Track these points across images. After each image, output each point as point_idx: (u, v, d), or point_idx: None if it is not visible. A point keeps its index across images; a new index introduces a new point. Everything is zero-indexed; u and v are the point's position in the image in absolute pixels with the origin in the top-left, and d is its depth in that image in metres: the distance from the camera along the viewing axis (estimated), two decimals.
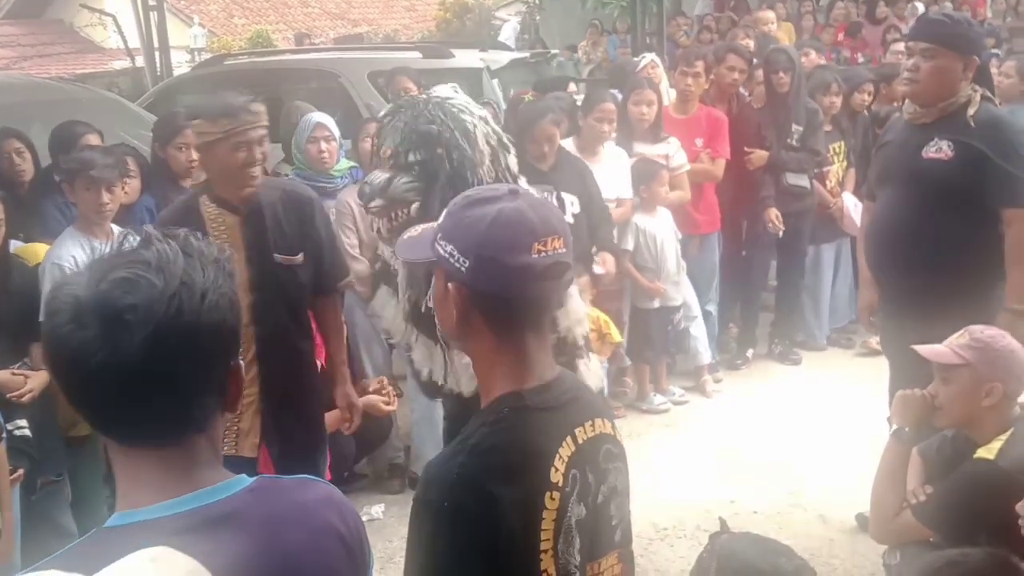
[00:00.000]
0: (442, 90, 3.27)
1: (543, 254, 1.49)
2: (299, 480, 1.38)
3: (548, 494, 1.49)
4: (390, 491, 4.70)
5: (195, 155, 4.15)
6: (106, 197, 3.66)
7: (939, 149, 3.37)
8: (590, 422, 1.58)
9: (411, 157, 3.08)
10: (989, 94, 3.44)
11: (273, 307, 3.31)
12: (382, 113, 3.38)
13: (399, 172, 3.09)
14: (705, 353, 5.71)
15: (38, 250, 3.76)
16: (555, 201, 4.35)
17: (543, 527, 1.48)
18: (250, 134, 3.13)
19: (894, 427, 2.88)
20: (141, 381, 1.17)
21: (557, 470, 1.50)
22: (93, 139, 4.41)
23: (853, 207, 5.96)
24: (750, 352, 6.19)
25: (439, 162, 3.06)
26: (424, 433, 4.66)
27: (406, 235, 1.70)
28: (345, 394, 3.61)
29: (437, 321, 1.61)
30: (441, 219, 1.58)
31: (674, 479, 4.61)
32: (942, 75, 3.37)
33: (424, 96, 3.27)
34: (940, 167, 3.37)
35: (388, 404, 4.54)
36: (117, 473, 1.25)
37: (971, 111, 3.35)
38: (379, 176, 3.15)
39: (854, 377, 5.75)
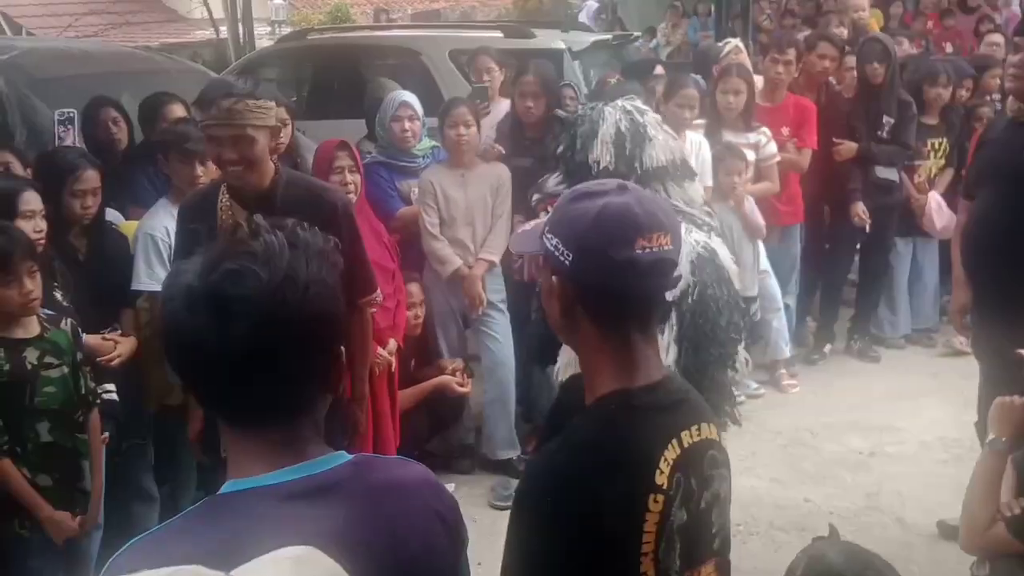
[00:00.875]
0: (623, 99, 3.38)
1: (648, 250, 1.47)
2: (397, 459, 1.46)
3: (652, 496, 1.46)
4: (460, 471, 4.71)
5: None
6: (200, 170, 3.69)
7: None
8: (696, 426, 1.55)
9: (557, 149, 3.33)
10: None
11: None
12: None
13: (557, 168, 3.33)
14: (784, 347, 5.60)
15: (133, 228, 3.83)
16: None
17: (646, 529, 1.45)
18: (217, 131, 2.89)
19: (990, 436, 2.79)
20: (247, 368, 1.23)
21: (662, 472, 1.47)
22: (178, 109, 4.46)
23: (936, 207, 5.80)
24: (828, 347, 6.07)
25: (572, 152, 3.23)
26: (496, 415, 4.68)
27: (520, 229, 1.70)
28: (353, 411, 3.38)
29: (548, 319, 1.60)
30: (551, 213, 1.58)
31: (747, 474, 4.54)
32: None
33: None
34: None
35: (462, 386, 4.56)
36: (229, 446, 1.30)
37: None
38: (544, 177, 3.44)
39: (935, 377, 5.62)
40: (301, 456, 1.27)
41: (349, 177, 3.97)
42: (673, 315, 3.23)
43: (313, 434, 1.31)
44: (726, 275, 3.27)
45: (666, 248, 1.49)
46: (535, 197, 3.57)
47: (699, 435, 1.55)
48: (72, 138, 4.38)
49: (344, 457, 1.31)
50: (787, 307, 5.72)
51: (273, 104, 2.97)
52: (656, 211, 1.51)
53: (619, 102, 3.22)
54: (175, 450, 3.92)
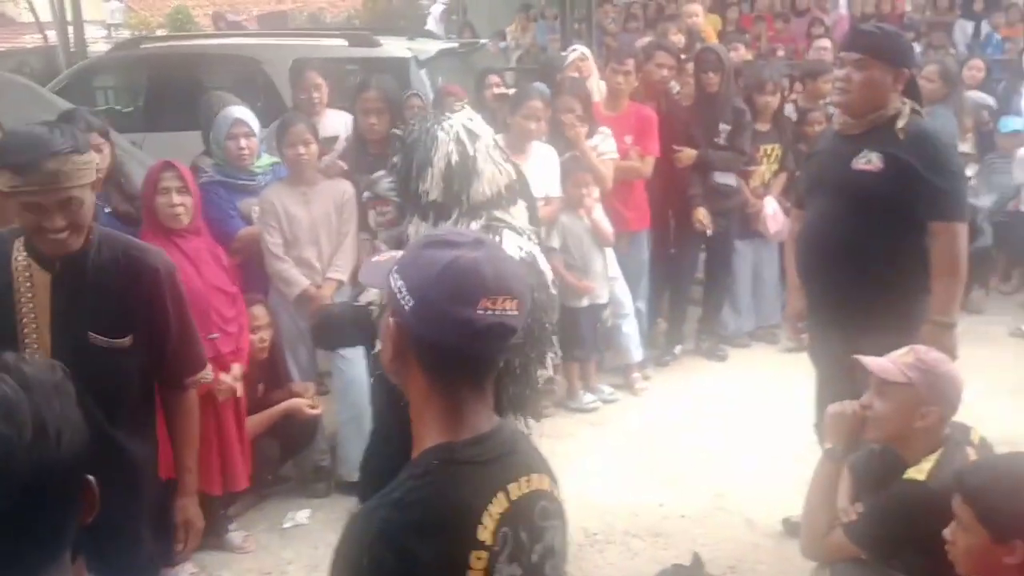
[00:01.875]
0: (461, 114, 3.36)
1: (489, 312, 1.43)
2: None
3: (474, 553, 1.43)
4: (316, 495, 4.58)
5: (95, 156, 3.91)
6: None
7: (869, 161, 3.39)
8: (526, 477, 1.53)
9: (395, 159, 3.28)
10: (918, 107, 3.47)
11: (81, 399, 2.83)
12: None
13: (389, 172, 3.34)
14: (635, 351, 5.71)
15: None
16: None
17: None
18: (41, 199, 2.42)
19: (827, 445, 2.89)
20: (4, 529, 1.14)
21: (485, 528, 1.44)
22: None
23: (772, 213, 6.03)
24: (678, 348, 6.23)
25: (406, 166, 3.20)
26: (351, 435, 4.58)
27: (373, 259, 1.71)
28: (183, 507, 2.89)
29: (383, 357, 1.57)
30: (403, 253, 1.55)
31: (603, 481, 4.60)
32: (873, 86, 3.39)
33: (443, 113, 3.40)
34: (869, 178, 3.39)
35: (313, 407, 4.45)
36: None
37: (900, 124, 3.37)
38: (381, 173, 3.48)
39: (779, 374, 5.81)
40: None
41: (177, 199, 3.75)
42: None
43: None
44: (545, 279, 3.32)
45: (509, 313, 1.46)
46: (365, 194, 3.71)
47: (528, 486, 1.52)
48: None
49: None
50: (638, 311, 5.84)
51: (93, 154, 2.61)
52: (507, 274, 1.48)
53: (454, 124, 3.18)
54: None
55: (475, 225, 3.13)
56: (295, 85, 5.53)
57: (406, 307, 1.46)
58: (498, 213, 3.19)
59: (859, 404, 2.84)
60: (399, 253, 1.61)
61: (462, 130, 3.15)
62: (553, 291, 3.42)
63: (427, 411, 1.51)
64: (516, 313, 1.47)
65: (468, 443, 1.49)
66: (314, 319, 4.24)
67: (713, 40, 8.18)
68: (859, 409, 2.82)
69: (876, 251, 3.42)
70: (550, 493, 1.58)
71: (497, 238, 3.12)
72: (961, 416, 2.82)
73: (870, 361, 2.80)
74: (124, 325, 2.64)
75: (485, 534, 1.44)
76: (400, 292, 1.47)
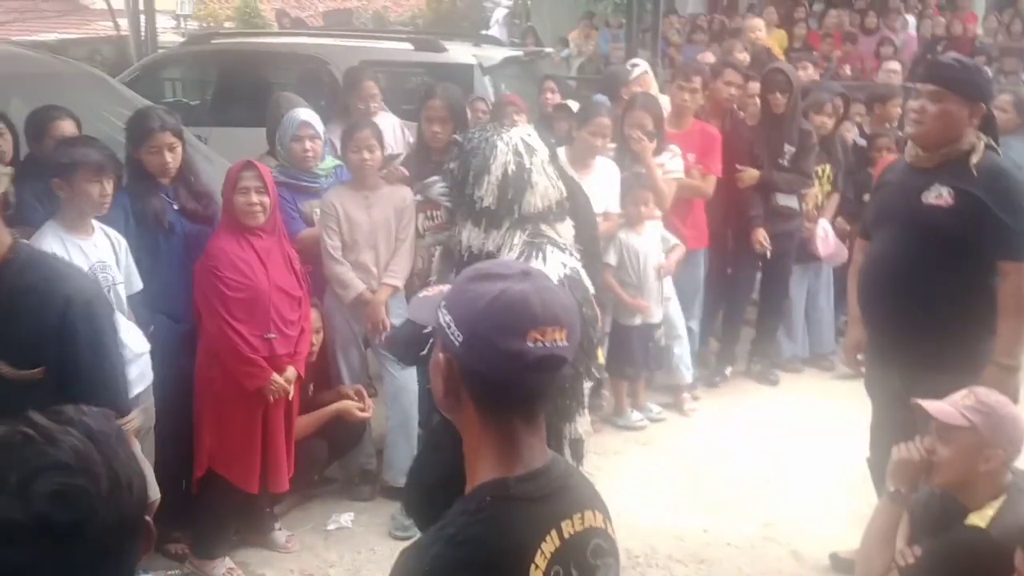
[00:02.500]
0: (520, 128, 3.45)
1: (539, 343, 1.43)
2: None
3: None
4: (360, 498, 4.61)
5: (168, 158, 4.01)
6: (108, 187, 3.53)
7: (939, 195, 3.33)
8: (579, 515, 1.51)
9: (449, 164, 3.32)
10: (993, 144, 3.39)
11: None
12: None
13: (443, 176, 3.34)
14: (686, 372, 5.67)
15: None
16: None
17: None
18: None
19: (890, 488, 2.83)
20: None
21: (538, 567, 1.43)
22: (67, 126, 4.22)
23: (823, 235, 5.94)
24: (728, 370, 6.16)
25: (463, 172, 3.25)
26: (399, 440, 4.60)
27: (421, 293, 1.72)
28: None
29: (434, 393, 1.56)
30: (450, 287, 1.55)
31: (648, 502, 4.56)
32: (948, 119, 3.32)
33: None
34: (939, 213, 3.32)
35: (363, 411, 4.47)
36: None
37: (974, 159, 3.30)
38: (435, 177, 3.44)
39: (832, 402, 5.74)
40: None
41: (255, 198, 3.84)
42: None
43: None
44: (589, 295, 3.34)
45: (560, 344, 1.45)
46: (417, 197, 3.66)
47: (582, 524, 1.51)
48: None
49: None
50: (690, 331, 5.79)
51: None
52: (555, 305, 1.46)
53: (513, 136, 3.21)
54: None
55: (521, 236, 3.17)
56: (351, 91, 5.56)
57: (456, 342, 1.45)
58: (544, 227, 3.22)
59: (924, 448, 2.78)
60: (447, 287, 1.60)
61: (520, 143, 3.20)
62: (595, 308, 3.44)
63: (481, 446, 1.50)
64: (566, 344, 1.46)
65: (522, 479, 1.48)
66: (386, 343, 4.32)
67: (779, 57, 8.10)
68: (925, 455, 2.76)
69: (942, 288, 3.36)
70: (603, 531, 1.56)
71: (540, 253, 3.14)
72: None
73: (930, 405, 2.74)
74: (34, 355, 2.49)
75: (538, 573, 1.43)
76: (449, 327, 1.46)
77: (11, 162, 4.35)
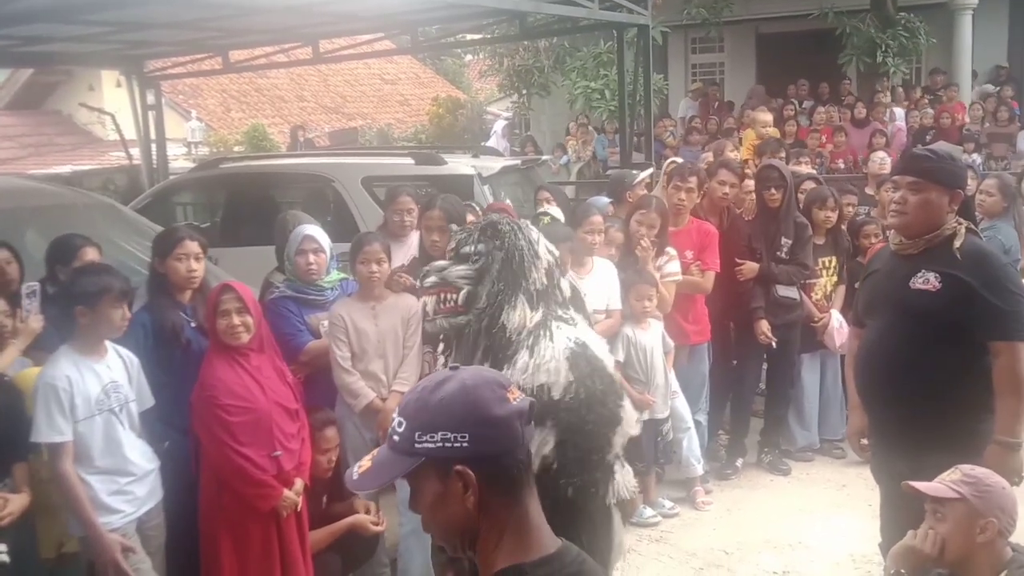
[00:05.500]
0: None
1: (516, 399, 1.56)
2: None
3: None
4: None
5: (195, 266, 4.18)
6: (127, 312, 3.69)
7: (926, 280, 3.41)
8: None
9: (471, 248, 3.49)
10: (973, 227, 3.50)
11: None
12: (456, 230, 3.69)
13: (458, 261, 3.49)
14: (696, 465, 5.68)
15: (28, 378, 3.73)
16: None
17: None
18: None
19: (891, 571, 2.85)
20: None
21: None
22: (92, 252, 4.41)
23: (838, 325, 6.01)
24: (739, 461, 6.16)
25: (495, 255, 3.44)
26: (412, 547, 4.58)
27: (356, 471, 1.65)
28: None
29: (440, 532, 1.59)
30: (406, 423, 1.56)
31: None
32: (929, 208, 3.44)
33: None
34: (928, 298, 3.40)
35: (377, 524, 4.47)
36: None
37: (957, 243, 3.40)
38: (440, 263, 3.60)
39: (844, 489, 5.73)
40: None
41: (237, 319, 3.91)
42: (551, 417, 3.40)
43: None
44: (600, 365, 3.41)
45: (520, 399, 1.58)
46: (430, 279, 3.67)
47: None
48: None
49: None
50: (699, 424, 5.82)
51: None
52: (490, 375, 1.63)
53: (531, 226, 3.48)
54: None
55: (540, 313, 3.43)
56: (388, 206, 5.64)
57: (463, 445, 1.50)
58: (555, 306, 3.44)
59: (930, 536, 2.81)
60: (373, 453, 1.63)
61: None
62: (612, 372, 3.58)
63: (498, 537, 1.53)
64: (522, 396, 1.60)
65: (537, 564, 1.51)
66: None
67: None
68: (936, 546, 2.78)
69: (937, 370, 3.41)
70: None
71: (547, 332, 3.37)
72: None
73: (920, 485, 2.81)
74: None
75: None
76: (449, 441, 1.51)
77: (16, 291, 4.50)
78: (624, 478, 3.51)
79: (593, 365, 3.37)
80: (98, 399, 3.59)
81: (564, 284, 3.66)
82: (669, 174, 5.95)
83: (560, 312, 3.54)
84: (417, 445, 1.52)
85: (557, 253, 3.69)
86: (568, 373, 3.40)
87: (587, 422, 3.42)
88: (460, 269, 3.45)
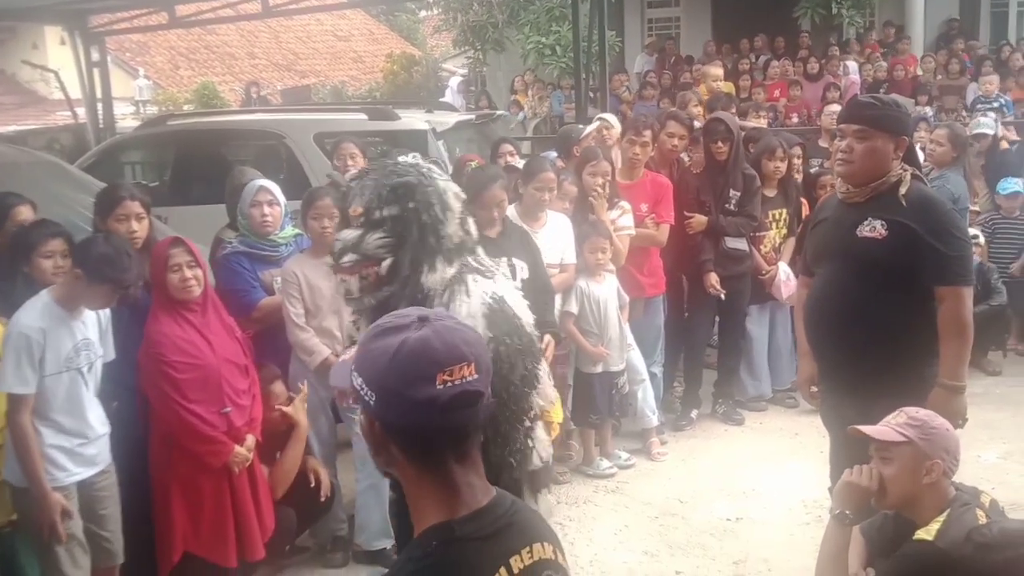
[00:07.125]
0: (406, 156, 3.31)
1: (449, 384, 1.46)
2: None
3: None
4: (332, 564, 4.60)
5: (136, 226, 4.12)
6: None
7: (873, 228, 3.44)
8: (527, 548, 1.53)
9: (383, 212, 3.12)
10: (919, 173, 3.54)
11: None
12: (349, 176, 3.37)
13: (371, 229, 3.11)
14: (652, 416, 5.73)
15: None
16: (507, 268, 4.31)
17: None
18: None
19: (836, 511, 2.91)
20: None
21: None
22: (25, 211, 4.31)
23: (785, 277, 6.08)
24: (694, 413, 6.24)
25: (412, 216, 3.10)
26: (370, 503, 4.59)
27: (341, 358, 1.69)
28: None
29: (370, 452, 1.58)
30: (356, 349, 1.56)
31: (620, 549, 4.59)
32: (875, 155, 3.45)
33: (392, 159, 3.29)
34: (875, 245, 3.43)
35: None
36: None
37: (902, 190, 3.43)
38: (350, 233, 3.16)
39: (796, 437, 5.83)
40: None
41: (188, 273, 3.86)
42: None
43: None
44: (518, 322, 3.17)
45: (470, 379, 1.48)
46: (347, 257, 3.24)
47: (531, 558, 1.53)
48: None
49: None
50: (654, 376, 5.88)
51: None
52: (457, 342, 1.50)
53: (433, 167, 3.24)
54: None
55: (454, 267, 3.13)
56: (334, 156, 5.69)
57: (371, 401, 1.49)
58: (469, 258, 3.19)
59: (872, 474, 2.86)
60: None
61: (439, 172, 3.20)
62: (531, 331, 3.27)
63: (421, 494, 1.52)
64: (476, 376, 1.49)
65: (466, 519, 1.49)
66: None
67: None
68: (874, 480, 2.84)
69: (884, 316, 3.46)
70: (554, 562, 1.58)
71: (463, 287, 3.08)
72: (981, 479, 2.85)
73: (867, 428, 2.86)
74: None
75: None
76: (362, 388, 1.49)
77: None
78: (540, 445, 3.35)
79: (511, 324, 3.15)
80: (68, 356, 3.52)
81: (471, 226, 3.31)
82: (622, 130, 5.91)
83: (475, 263, 3.26)
84: (352, 375, 1.52)
85: (464, 196, 3.35)
86: (486, 331, 3.09)
87: (511, 382, 3.10)
88: (376, 238, 3.12)
